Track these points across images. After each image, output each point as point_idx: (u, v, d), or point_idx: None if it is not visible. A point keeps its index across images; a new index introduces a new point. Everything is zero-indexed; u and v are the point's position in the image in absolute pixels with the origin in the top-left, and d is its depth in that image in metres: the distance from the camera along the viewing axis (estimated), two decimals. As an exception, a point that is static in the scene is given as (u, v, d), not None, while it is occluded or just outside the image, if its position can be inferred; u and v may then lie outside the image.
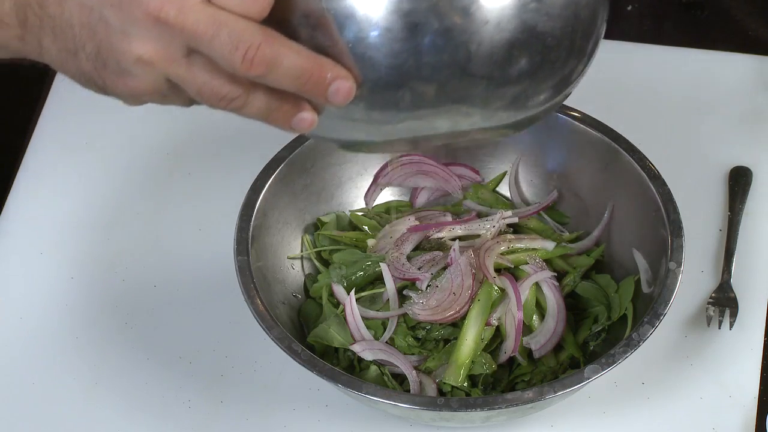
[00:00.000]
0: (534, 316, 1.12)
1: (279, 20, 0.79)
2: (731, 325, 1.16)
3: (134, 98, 0.83)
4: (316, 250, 1.19)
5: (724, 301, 1.17)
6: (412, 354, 1.12)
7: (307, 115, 0.81)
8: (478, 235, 1.16)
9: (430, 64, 0.80)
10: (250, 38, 0.77)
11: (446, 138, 0.86)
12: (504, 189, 1.24)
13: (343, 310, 1.13)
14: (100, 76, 0.82)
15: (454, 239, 1.16)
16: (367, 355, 1.11)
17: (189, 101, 0.83)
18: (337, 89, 0.79)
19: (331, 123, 0.85)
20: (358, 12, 0.79)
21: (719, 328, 1.16)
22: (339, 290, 1.14)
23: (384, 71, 0.80)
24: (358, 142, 0.88)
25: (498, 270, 1.13)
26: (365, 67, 0.80)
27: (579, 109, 1.17)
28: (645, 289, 1.11)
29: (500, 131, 0.88)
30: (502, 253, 1.14)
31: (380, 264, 1.14)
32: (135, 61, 0.79)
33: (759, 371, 1.14)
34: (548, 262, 1.15)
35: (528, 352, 1.12)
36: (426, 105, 0.82)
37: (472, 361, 1.09)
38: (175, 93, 0.82)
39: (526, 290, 1.12)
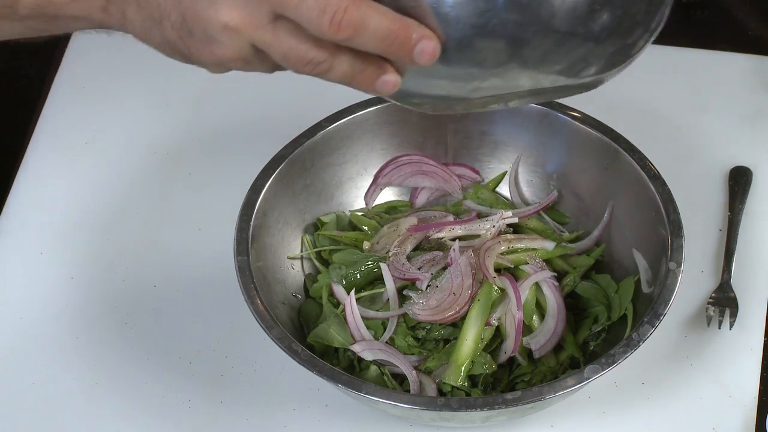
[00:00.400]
0: (534, 316, 1.12)
1: None
2: (731, 325, 1.16)
3: (219, 65, 0.83)
4: (316, 250, 1.19)
5: (724, 301, 1.17)
6: (412, 354, 1.12)
7: (391, 77, 0.82)
8: (478, 235, 1.16)
9: (513, 21, 0.80)
10: (336, 1, 0.77)
11: (526, 96, 0.87)
12: (504, 189, 1.24)
13: (343, 310, 1.13)
14: (186, 45, 0.83)
15: (454, 239, 1.16)
16: (367, 355, 1.11)
17: (273, 67, 0.83)
18: (423, 50, 0.80)
19: (413, 82, 0.85)
20: None
21: (719, 328, 1.16)
22: (339, 290, 1.14)
23: (468, 30, 0.80)
24: (442, 97, 0.88)
25: (498, 270, 1.13)
26: (449, 27, 0.80)
27: (579, 109, 1.17)
28: (645, 289, 1.11)
29: (580, 89, 0.89)
30: (502, 253, 1.14)
31: (380, 264, 1.14)
32: (221, 29, 0.80)
33: (759, 371, 1.14)
34: (548, 262, 1.15)
35: (528, 352, 1.12)
36: (509, 63, 0.82)
37: (472, 361, 1.09)
38: (259, 59, 0.82)
39: (526, 290, 1.12)
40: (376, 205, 1.23)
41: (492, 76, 0.84)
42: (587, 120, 1.17)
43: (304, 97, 1.25)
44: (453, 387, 1.09)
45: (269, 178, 1.14)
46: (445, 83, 0.85)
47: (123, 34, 0.88)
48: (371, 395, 1.02)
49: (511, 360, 1.12)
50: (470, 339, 1.09)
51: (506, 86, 0.85)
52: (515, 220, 1.18)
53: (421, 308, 1.11)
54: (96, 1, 0.85)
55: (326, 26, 0.78)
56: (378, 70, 0.82)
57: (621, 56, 0.86)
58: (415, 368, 1.11)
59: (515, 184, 1.23)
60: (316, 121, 1.18)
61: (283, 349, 1.04)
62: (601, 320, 1.13)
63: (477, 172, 1.23)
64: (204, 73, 0.88)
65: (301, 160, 1.17)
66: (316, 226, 1.20)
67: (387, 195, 1.24)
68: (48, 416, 1.15)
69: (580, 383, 1.02)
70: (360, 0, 0.78)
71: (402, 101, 0.90)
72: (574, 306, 1.15)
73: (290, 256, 1.18)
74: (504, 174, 1.23)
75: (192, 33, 0.81)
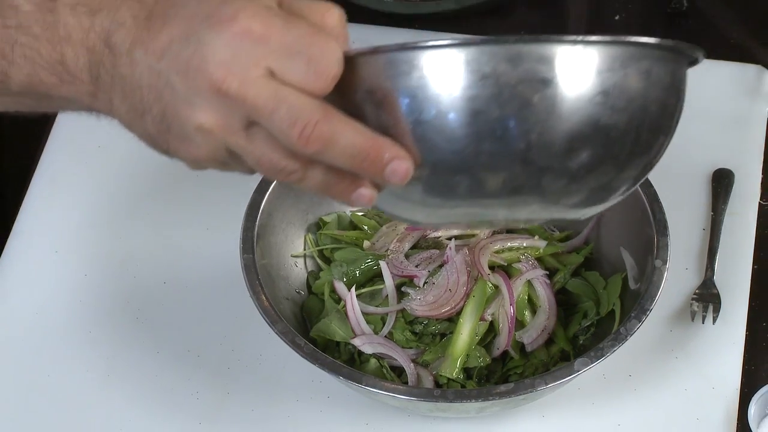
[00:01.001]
0: (526, 312, 1.12)
1: (343, 93, 0.77)
2: (714, 320, 1.16)
3: (196, 164, 0.81)
4: (318, 248, 1.19)
5: (707, 297, 1.17)
6: (410, 348, 1.12)
7: (366, 192, 0.79)
8: (474, 234, 1.17)
9: (489, 151, 0.76)
10: (308, 115, 0.74)
11: (503, 223, 0.84)
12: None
13: (344, 306, 1.13)
14: (165, 140, 0.80)
15: (450, 238, 1.16)
16: (367, 349, 1.11)
17: (251, 170, 0.80)
18: (394, 170, 0.76)
19: (390, 200, 0.82)
20: (423, 94, 0.76)
21: (703, 323, 1.17)
22: (340, 287, 1.15)
23: (443, 155, 0.77)
24: (416, 221, 0.85)
25: (492, 267, 1.13)
26: (425, 150, 0.77)
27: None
28: (632, 285, 1.11)
29: (558, 221, 0.85)
30: (496, 252, 1.14)
31: (380, 262, 1.14)
32: (196, 129, 0.77)
33: (741, 364, 1.14)
34: (540, 260, 1.15)
35: (520, 346, 1.12)
36: (483, 192, 0.79)
37: (467, 355, 1.09)
38: (235, 161, 0.80)
39: (518, 287, 1.12)
40: (375, 206, 1.23)
41: (466, 204, 0.80)
42: (577, 124, 1.17)
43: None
44: (449, 379, 1.09)
45: (273, 180, 1.14)
46: (419, 206, 0.81)
47: None
48: (371, 387, 1.02)
49: (505, 353, 1.12)
50: (465, 333, 1.09)
51: (482, 214, 0.81)
52: (509, 220, 1.18)
53: (418, 304, 1.12)
54: (84, 86, 0.81)
55: (295, 139, 0.74)
56: (352, 185, 0.78)
57: (600, 196, 0.82)
58: (413, 361, 1.11)
59: (508, 186, 1.23)
60: (319, 126, 1.17)
61: (287, 343, 1.05)
62: (590, 315, 1.13)
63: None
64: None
65: (304, 162, 1.17)
66: (318, 226, 1.20)
67: (386, 196, 1.24)
68: (63, 407, 1.15)
69: (570, 375, 1.02)
70: (333, 115, 0.75)
71: (386, 214, 0.87)
72: (565, 302, 1.15)
73: (294, 254, 1.18)
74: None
75: (170, 129, 0.78)
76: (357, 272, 1.15)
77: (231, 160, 0.80)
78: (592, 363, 1.02)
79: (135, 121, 0.80)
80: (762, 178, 1.27)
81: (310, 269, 1.19)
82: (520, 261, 1.14)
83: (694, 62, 0.85)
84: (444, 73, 0.76)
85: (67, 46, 0.80)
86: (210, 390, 1.15)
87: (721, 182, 1.26)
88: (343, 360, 1.11)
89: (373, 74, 0.77)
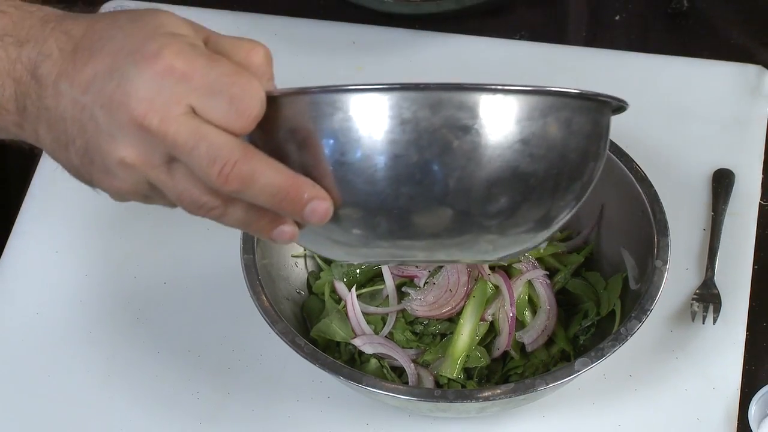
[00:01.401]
0: (526, 312, 1.12)
1: (267, 132, 0.78)
2: (714, 320, 1.16)
3: (119, 196, 0.82)
4: (318, 248, 1.19)
5: (707, 297, 1.17)
6: (411, 348, 1.12)
7: (288, 229, 0.79)
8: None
9: (408, 195, 0.77)
10: (227, 154, 0.75)
11: (424, 263, 0.84)
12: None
13: (345, 306, 1.13)
14: (88, 172, 0.81)
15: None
16: (368, 349, 1.11)
17: (172, 204, 0.81)
18: (314, 209, 0.77)
19: (311, 238, 0.83)
20: (345, 136, 0.77)
21: (703, 323, 1.16)
22: (340, 287, 1.14)
23: (363, 197, 0.78)
24: (337, 259, 0.86)
25: (492, 268, 1.13)
26: (345, 191, 0.78)
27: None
28: (632, 285, 1.11)
29: (478, 261, 0.87)
30: (496, 252, 1.14)
31: (380, 262, 1.14)
32: (117, 163, 0.78)
33: (741, 364, 1.14)
34: (540, 260, 1.15)
35: (521, 346, 1.12)
36: (403, 234, 0.80)
37: (467, 355, 1.09)
38: (157, 195, 0.80)
39: (519, 287, 1.12)
40: (376, 206, 1.23)
41: (385, 245, 0.81)
42: (577, 125, 1.16)
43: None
44: (449, 379, 1.09)
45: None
46: (339, 244, 0.82)
47: None
48: (371, 387, 1.02)
49: (505, 354, 1.12)
50: (466, 334, 1.09)
51: (401, 254, 0.82)
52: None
53: (419, 304, 1.11)
54: (11, 116, 0.82)
55: (214, 177, 0.75)
56: (273, 222, 0.79)
57: (519, 242, 0.83)
58: (413, 361, 1.11)
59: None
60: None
61: (287, 343, 1.04)
62: (590, 315, 1.13)
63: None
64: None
65: (304, 162, 1.17)
66: (318, 226, 1.20)
67: (386, 196, 1.23)
68: (63, 407, 1.15)
69: (570, 376, 1.02)
70: (253, 154, 0.76)
71: (308, 251, 0.87)
72: (565, 302, 1.15)
73: (294, 255, 1.17)
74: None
75: (93, 162, 0.79)
76: (357, 272, 1.15)
77: (153, 194, 0.80)
78: (592, 363, 1.02)
79: (59, 152, 0.81)
80: (762, 178, 1.26)
81: (310, 269, 1.19)
82: (521, 261, 1.14)
83: (619, 110, 0.85)
84: (365, 117, 0.76)
85: None
86: (210, 390, 1.15)
87: (722, 182, 1.25)
88: (343, 360, 1.11)
89: (296, 114, 0.78)
